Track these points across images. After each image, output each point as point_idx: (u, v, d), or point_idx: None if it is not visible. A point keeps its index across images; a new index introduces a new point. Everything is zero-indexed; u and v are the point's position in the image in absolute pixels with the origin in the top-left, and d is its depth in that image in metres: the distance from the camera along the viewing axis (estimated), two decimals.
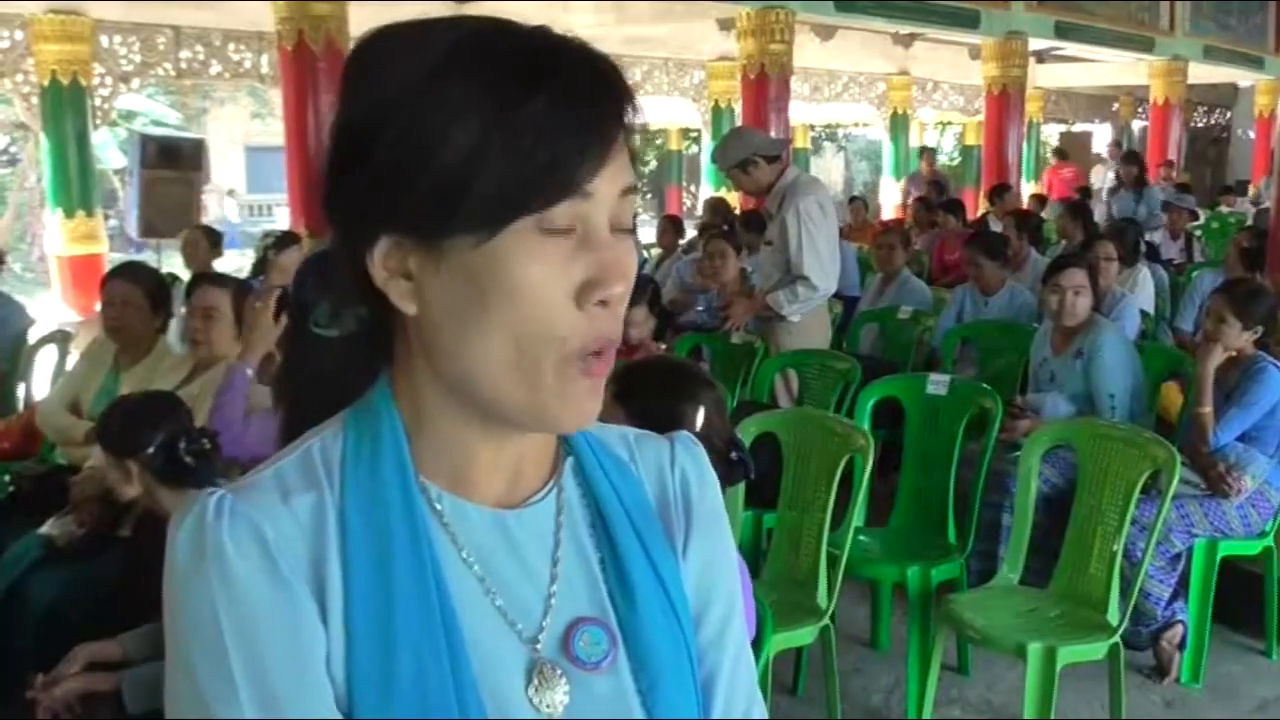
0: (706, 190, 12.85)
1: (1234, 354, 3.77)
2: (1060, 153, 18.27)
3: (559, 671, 0.81)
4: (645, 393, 2.12)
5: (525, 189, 0.72)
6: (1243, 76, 17.87)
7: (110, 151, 16.80)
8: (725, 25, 11.21)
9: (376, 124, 0.74)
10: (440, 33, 0.76)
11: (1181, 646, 3.60)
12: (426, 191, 0.72)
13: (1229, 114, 22.85)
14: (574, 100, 0.73)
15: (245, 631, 0.73)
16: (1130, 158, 12.19)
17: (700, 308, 6.65)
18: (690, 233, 9.51)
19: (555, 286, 0.74)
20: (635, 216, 0.79)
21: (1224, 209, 14.23)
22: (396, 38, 0.77)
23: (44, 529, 3.11)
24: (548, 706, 0.80)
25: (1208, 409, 3.71)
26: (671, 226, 9.28)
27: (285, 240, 6.03)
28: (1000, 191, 10.83)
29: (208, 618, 0.73)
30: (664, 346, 4.97)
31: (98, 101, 10.00)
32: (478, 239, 0.72)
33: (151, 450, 2.55)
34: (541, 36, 0.75)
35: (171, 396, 2.89)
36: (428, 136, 0.72)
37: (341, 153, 0.77)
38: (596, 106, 0.74)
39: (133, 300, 3.81)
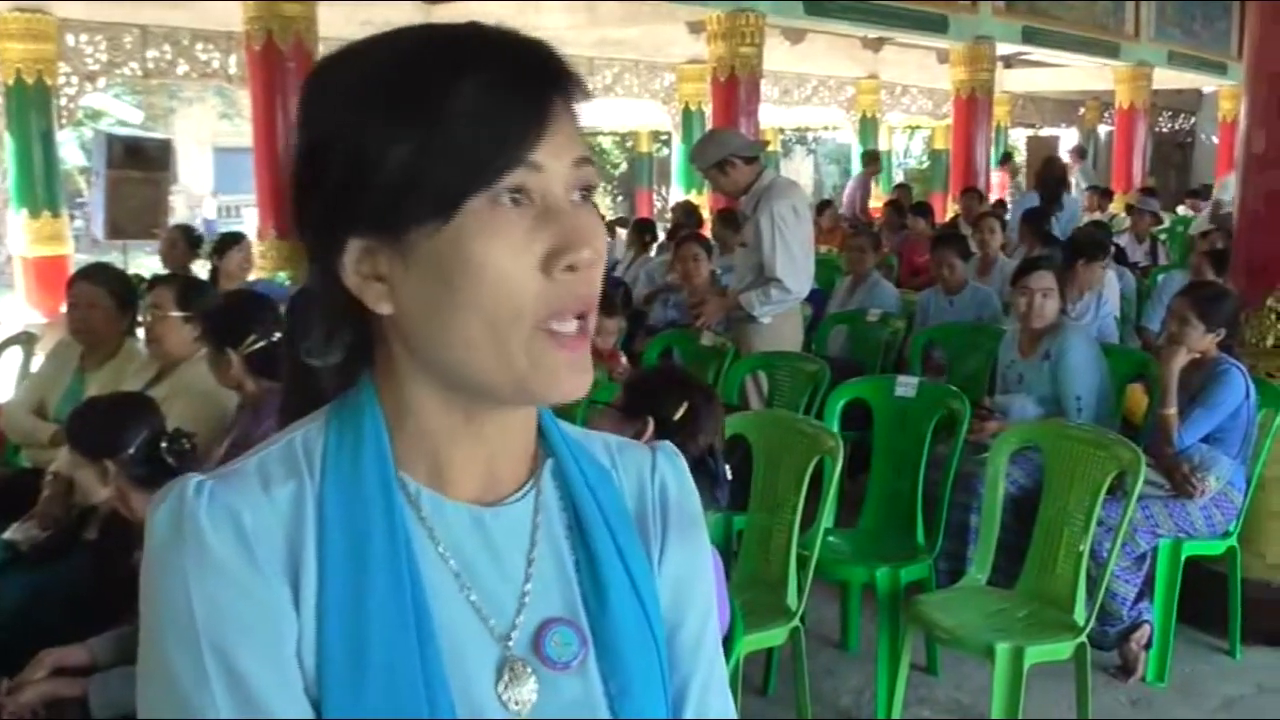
0: (677, 193, 12.82)
1: (1198, 356, 3.80)
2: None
3: (529, 670, 0.81)
4: (665, 404, 2.27)
5: (471, 169, 0.74)
6: (1207, 82, 18.08)
7: (69, 149, 16.59)
8: (695, 28, 11.22)
9: (325, 149, 0.77)
10: (375, 50, 0.79)
11: (1147, 646, 3.63)
12: (380, 190, 0.75)
13: (1193, 119, 23.12)
14: (502, 82, 0.75)
15: (216, 607, 0.74)
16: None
17: (671, 307, 6.66)
18: (661, 235, 9.50)
19: (519, 261, 0.75)
20: (593, 186, 0.81)
21: (1189, 212, 14.35)
22: (335, 66, 0.80)
23: (6, 535, 3.08)
24: (516, 704, 0.80)
25: (1172, 411, 3.74)
26: (642, 229, 9.27)
27: (228, 241, 5.99)
28: (968, 194, 10.90)
29: (180, 591, 0.74)
30: (624, 360, 4.97)
31: (63, 101, 9.89)
32: (436, 225, 0.75)
33: (132, 450, 2.51)
34: (467, 32, 0.78)
35: (144, 397, 2.87)
36: (371, 149, 0.75)
37: (301, 177, 0.80)
38: (526, 83, 0.77)
39: (98, 302, 3.76)
